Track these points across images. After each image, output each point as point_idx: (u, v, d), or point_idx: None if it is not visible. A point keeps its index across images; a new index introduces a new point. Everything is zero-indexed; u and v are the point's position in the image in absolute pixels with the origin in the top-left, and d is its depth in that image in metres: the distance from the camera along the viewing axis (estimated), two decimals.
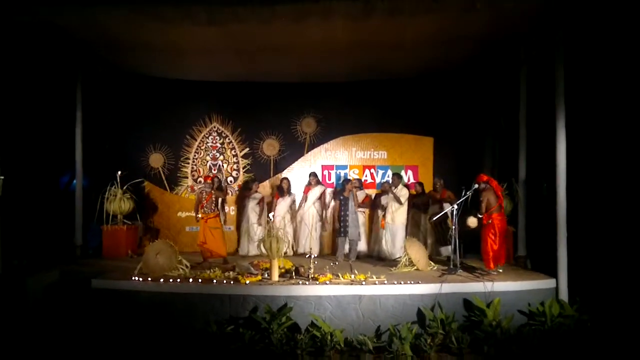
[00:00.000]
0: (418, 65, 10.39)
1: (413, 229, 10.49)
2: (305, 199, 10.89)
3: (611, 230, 7.99)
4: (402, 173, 11.48)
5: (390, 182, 10.44)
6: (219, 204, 10.17)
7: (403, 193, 10.13)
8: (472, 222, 8.40)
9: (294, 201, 11.04)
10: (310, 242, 10.57)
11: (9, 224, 8.10)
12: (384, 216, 10.22)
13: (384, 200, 10.38)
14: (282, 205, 10.81)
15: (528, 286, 7.69)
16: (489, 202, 8.28)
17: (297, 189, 11.27)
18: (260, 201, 10.99)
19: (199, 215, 9.32)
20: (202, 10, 7.42)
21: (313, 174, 11.01)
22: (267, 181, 11.77)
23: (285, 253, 9.96)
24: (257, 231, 10.66)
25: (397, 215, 10.08)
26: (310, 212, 10.83)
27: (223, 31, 8.29)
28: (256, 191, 11.05)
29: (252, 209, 10.95)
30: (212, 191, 9.48)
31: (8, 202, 7.90)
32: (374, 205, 10.82)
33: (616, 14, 7.40)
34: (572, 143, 7.87)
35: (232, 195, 11.63)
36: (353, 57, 9.77)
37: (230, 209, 11.54)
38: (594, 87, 8.39)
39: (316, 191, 10.83)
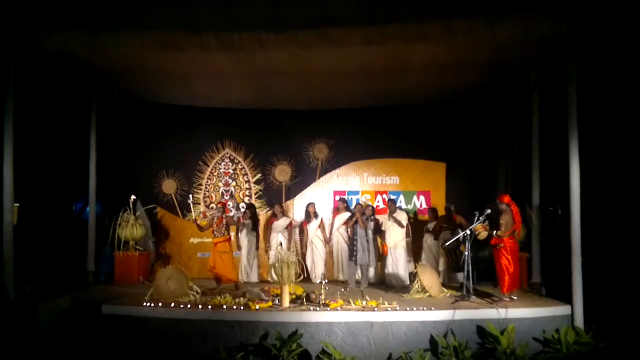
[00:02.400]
0: (430, 91, 10.44)
1: (426, 254, 10.42)
2: (332, 224, 10.88)
3: (626, 255, 7.89)
4: (414, 198, 11.48)
5: (388, 209, 10.41)
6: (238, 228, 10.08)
7: (403, 217, 10.15)
8: (482, 235, 8.32)
9: (321, 225, 11.01)
10: (340, 268, 10.58)
11: (22, 250, 8.14)
12: (384, 242, 10.17)
13: (383, 227, 10.34)
14: (311, 230, 10.82)
15: (543, 313, 7.56)
16: (506, 224, 8.20)
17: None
18: (289, 225, 10.93)
19: (198, 222, 9.48)
20: (212, 37, 7.52)
21: (342, 200, 11.08)
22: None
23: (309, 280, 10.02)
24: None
25: (398, 241, 10.05)
26: (336, 237, 10.80)
27: (234, 57, 8.35)
28: (283, 215, 11.03)
29: (280, 234, 10.81)
30: (223, 216, 9.49)
31: (21, 228, 7.96)
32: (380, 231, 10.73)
33: (627, 37, 7.39)
34: (586, 168, 7.78)
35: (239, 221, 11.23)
36: (365, 83, 9.85)
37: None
38: (607, 111, 8.36)
39: (342, 217, 10.79)
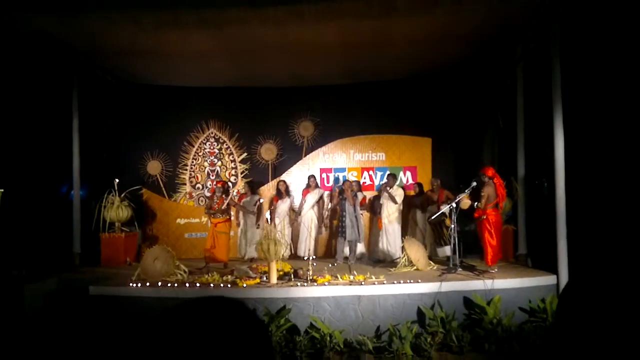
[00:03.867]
0: (415, 65, 10.38)
1: (412, 229, 10.47)
2: (304, 201, 10.85)
3: (612, 224, 7.93)
4: (401, 174, 11.47)
5: (385, 182, 10.39)
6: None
7: (399, 193, 10.14)
8: (465, 203, 8.35)
9: (293, 203, 11.02)
10: (309, 245, 10.54)
11: (7, 235, 8.08)
12: (380, 217, 10.19)
13: (381, 200, 10.33)
14: (281, 207, 10.78)
15: (528, 283, 7.63)
16: (488, 197, 8.24)
17: (296, 192, 11.28)
18: (257, 203, 10.90)
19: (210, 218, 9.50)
20: (193, 13, 7.40)
21: (312, 177, 10.98)
22: (268, 184, 11.74)
23: (283, 256, 10.01)
24: (256, 234, 10.52)
25: (393, 216, 10.06)
26: (308, 215, 10.77)
27: (217, 35, 8.28)
28: (252, 194, 11.01)
29: (249, 212, 10.84)
30: (224, 196, 9.47)
31: (6, 212, 7.88)
32: (371, 207, 10.76)
33: (611, 6, 7.36)
34: (570, 139, 7.81)
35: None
36: (348, 58, 9.80)
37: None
38: (591, 82, 8.34)
39: (314, 194, 10.78)
